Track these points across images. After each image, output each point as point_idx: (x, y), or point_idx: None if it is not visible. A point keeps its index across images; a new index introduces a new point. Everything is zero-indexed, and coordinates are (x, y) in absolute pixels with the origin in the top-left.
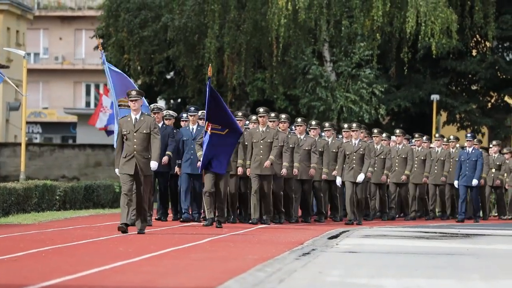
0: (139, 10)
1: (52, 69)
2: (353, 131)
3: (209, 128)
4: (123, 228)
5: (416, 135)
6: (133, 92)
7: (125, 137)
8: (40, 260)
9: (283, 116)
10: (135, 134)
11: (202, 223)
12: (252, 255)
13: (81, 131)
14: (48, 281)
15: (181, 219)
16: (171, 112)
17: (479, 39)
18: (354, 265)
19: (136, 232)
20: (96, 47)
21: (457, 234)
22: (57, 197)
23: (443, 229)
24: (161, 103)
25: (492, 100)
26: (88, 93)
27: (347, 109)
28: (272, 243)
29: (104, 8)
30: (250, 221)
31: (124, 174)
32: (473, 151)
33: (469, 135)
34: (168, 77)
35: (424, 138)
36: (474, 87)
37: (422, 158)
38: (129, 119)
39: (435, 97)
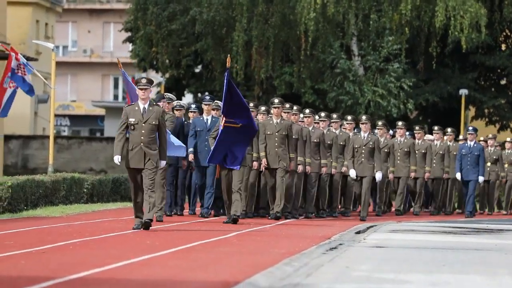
0: (168, 3)
1: (80, 62)
2: (362, 123)
3: (223, 122)
4: (147, 225)
5: (417, 127)
6: (143, 80)
7: (132, 127)
8: (67, 252)
9: (294, 107)
10: (143, 124)
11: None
12: (279, 249)
13: (109, 124)
14: (75, 274)
15: (200, 214)
16: (181, 102)
17: (509, 33)
18: (381, 260)
19: (142, 228)
20: (125, 41)
21: (486, 229)
22: (85, 190)
23: (471, 224)
24: (188, 96)
25: None
26: (116, 86)
27: (374, 103)
28: (299, 237)
29: (133, 1)
30: (270, 217)
31: (131, 168)
32: (475, 145)
33: (470, 128)
34: (196, 70)
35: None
36: (503, 82)
37: (423, 151)
38: (136, 108)
39: (463, 91)
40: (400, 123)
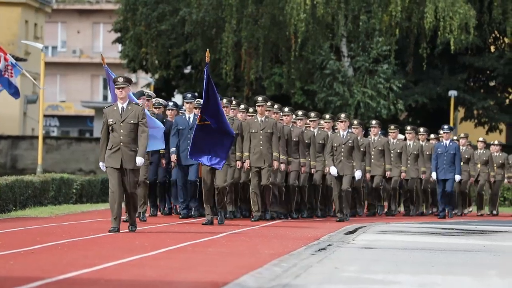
0: (157, 4)
1: (69, 62)
2: (341, 121)
3: (198, 118)
4: (115, 230)
5: (392, 127)
6: (120, 79)
7: (110, 128)
8: (56, 253)
9: (275, 106)
10: (121, 124)
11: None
12: (268, 250)
13: (98, 125)
14: (65, 274)
15: (181, 215)
16: (160, 100)
17: (498, 35)
18: (370, 261)
19: (128, 230)
20: (114, 41)
21: (474, 230)
22: (74, 191)
23: (460, 226)
24: (178, 97)
25: (510, 97)
26: (105, 86)
27: (364, 104)
28: (288, 238)
29: (122, 1)
30: (253, 219)
31: (109, 168)
32: (451, 144)
33: (446, 127)
34: (186, 71)
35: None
36: (492, 83)
37: (398, 151)
38: (115, 108)
39: (453, 93)
40: (373, 122)
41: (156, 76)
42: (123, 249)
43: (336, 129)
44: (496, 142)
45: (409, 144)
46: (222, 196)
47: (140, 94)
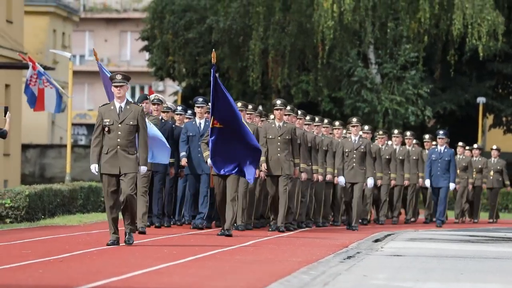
0: (184, 12)
1: (97, 71)
2: (353, 126)
3: (217, 124)
4: (115, 243)
5: (380, 132)
6: (118, 76)
7: (106, 129)
8: (85, 261)
9: (288, 107)
10: (119, 125)
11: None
12: (296, 258)
13: None
14: (93, 282)
15: (194, 225)
16: (169, 104)
17: None
18: (399, 268)
19: (124, 244)
20: (142, 50)
21: (504, 237)
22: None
23: (489, 233)
24: None
25: None
26: (133, 95)
27: (392, 111)
28: (316, 245)
29: (150, 10)
30: (270, 229)
31: (106, 174)
32: (445, 150)
33: (441, 132)
34: None
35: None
36: None
37: (387, 157)
38: (112, 107)
39: (481, 100)
40: (366, 127)
41: (183, 84)
42: (152, 257)
43: (331, 133)
44: (475, 146)
45: (396, 149)
46: (231, 208)
47: (143, 98)
